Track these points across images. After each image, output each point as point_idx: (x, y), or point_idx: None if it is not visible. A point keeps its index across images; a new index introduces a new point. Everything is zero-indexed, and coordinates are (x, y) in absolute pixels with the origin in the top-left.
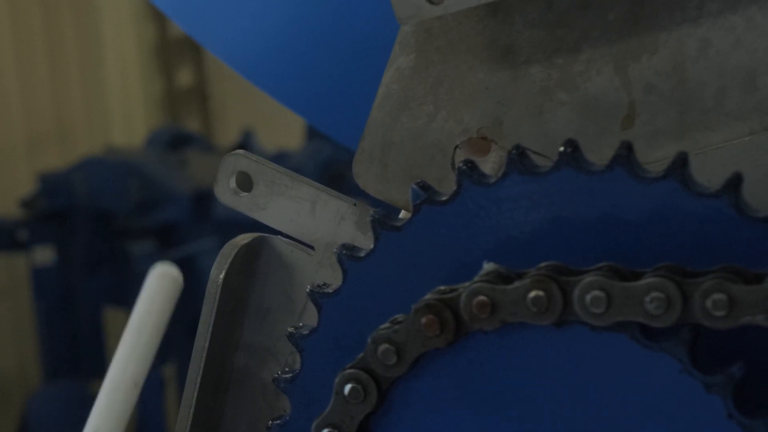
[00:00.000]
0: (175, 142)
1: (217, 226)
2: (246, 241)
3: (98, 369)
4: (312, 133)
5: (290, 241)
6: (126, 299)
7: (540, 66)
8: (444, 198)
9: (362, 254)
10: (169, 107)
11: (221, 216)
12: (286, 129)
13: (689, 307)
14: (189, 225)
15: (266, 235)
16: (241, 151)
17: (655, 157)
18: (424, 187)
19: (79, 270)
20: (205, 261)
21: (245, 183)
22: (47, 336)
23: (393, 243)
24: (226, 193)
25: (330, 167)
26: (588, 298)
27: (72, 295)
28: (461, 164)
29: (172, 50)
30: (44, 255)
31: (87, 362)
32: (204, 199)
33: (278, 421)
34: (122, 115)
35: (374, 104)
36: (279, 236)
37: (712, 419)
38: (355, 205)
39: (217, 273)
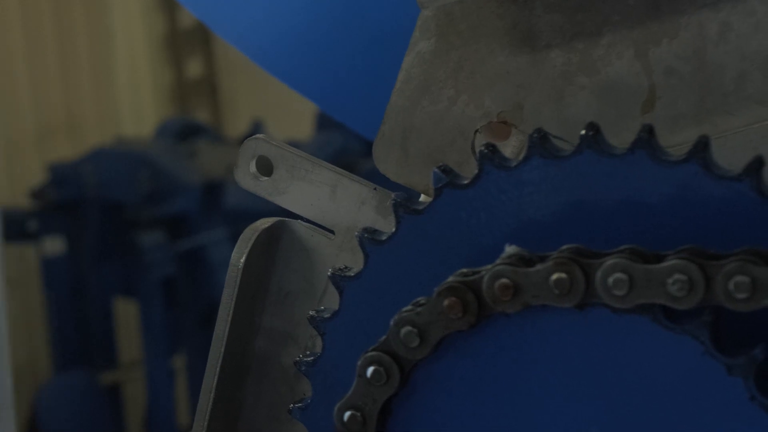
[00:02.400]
0: (184, 133)
1: (227, 216)
2: (266, 226)
3: (109, 359)
4: (322, 124)
5: (310, 225)
6: (136, 290)
7: (560, 50)
8: (466, 182)
9: (384, 238)
10: (178, 98)
11: (231, 207)
12: (295, 119)
13: (712, 289)
14: (199, 216)
15: (286, 219)
16: (261, 135)
17: (675, 141)
18: (446, 170)
19: (90, 260)
20: (214, 251)
21: (265, 167)
22: (57, 327)
23: (415, 226)
24: (247, 177)
25: (340, 157)
26: (610, 280)
27: (82, 285)
28: (483, 148)
29: (182, 41)
30: (54, 246)
31: (97, 353)
32: (214, 189)
33: (300, 405)
34: (132, 106)
35: (395, 89)
36: (299, 220)
37: (734, 401)
38: (375, 189)
39: (238, 257)
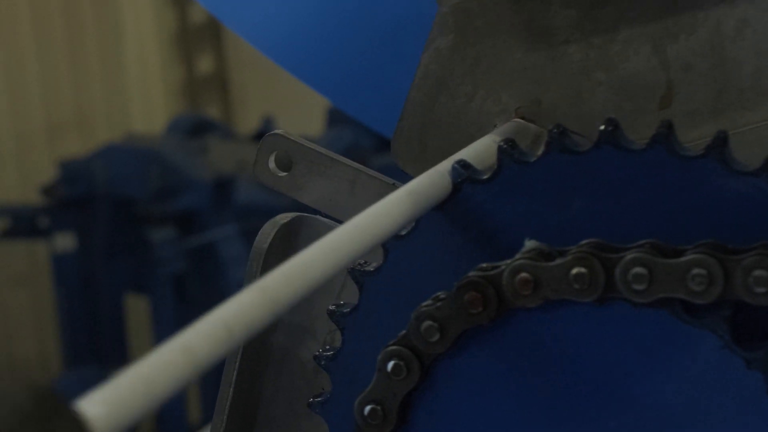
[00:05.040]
0: (195, 129)
1: (238, 212)
2: (285, 221)
3: (119, 356)
4: (333, 120)
5: (329, 220)
6: (146, 286)
7: (578, 46)
8: (485, 177)
9: (404, 233)
10: (189, 94)
11: (242, 203)
12: (306, 116)
13: (731, 283)
14: (209, 212)
15: (305, 214)
16: (280, 131)
17: (692, 137)
18: (465, 166)
19: (100, 257)
20: (225, 248)
21: (284, 163)
22: (68, 323)
23: (434, 221)
24: (266, 173)
25: (351, 153)
26: (630, 274)
27: (92, 281)
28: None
29: (192, 37)
30: (65, 242)
31: (107, 349)
32: (224, 185)
33: (319, 399)
34: (142, 102)
35: (412, 84)
36: (318, 216)
37: (753, 395)
38: (394, 185)
39: (258, 252)
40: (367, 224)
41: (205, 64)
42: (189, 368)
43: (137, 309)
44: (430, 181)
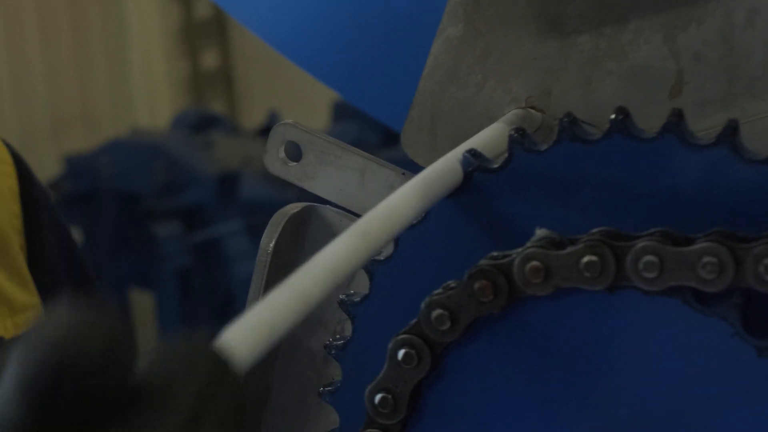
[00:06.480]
0: (200, 124)
1: (243, 207)
2: (295, 211)
3: None
4: (338, 114)
5: (339, 210)
6: (151, 281)
7: (588, 36)
8: (495, 165)
9: (414, 221)
10: (194, 89)
11: (246, 198)
12: (311, 110)
13: (741, 271)
14: (214, 207)
15: (315, 204)
16: (290, 120)
17: (703, 126)
18: (476, 155)
19: (105, 252)
20: (230, 243)
21: (294, 153)
22: None
23: (445, 210)
24: (276, 162)
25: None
26: (641, 262)
27: (98, 276)
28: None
29: (197, 32)
30: None
31: None
32: (229, 181)
33: (329, 388)
34: (147, 98)
35: (423, 74)
36: (328, 205)
37: (765, 383)
38: (404, 174)
39: (268, 242)
40: (388, 214)
41: (210, 59)
42: (304, 309)
43: (142, 304)
44: (443, 170)
